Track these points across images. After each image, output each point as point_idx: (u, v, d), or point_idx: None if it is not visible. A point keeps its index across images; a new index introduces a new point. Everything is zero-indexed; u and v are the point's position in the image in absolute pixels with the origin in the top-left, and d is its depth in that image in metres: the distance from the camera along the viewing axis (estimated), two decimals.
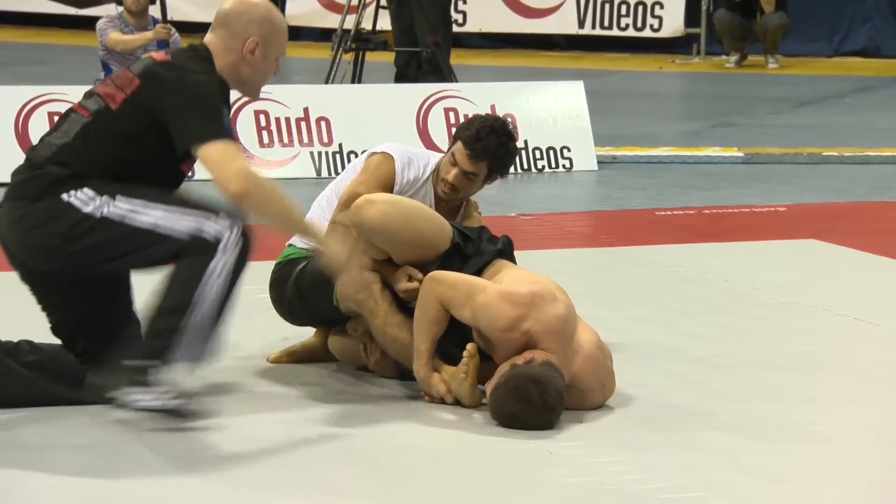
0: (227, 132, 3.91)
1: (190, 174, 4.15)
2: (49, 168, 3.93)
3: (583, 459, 3.77)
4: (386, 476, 3.68)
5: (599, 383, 4.16)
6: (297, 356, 4.61)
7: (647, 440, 3.94)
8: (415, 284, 4.21)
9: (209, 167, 3.85)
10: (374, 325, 4.27)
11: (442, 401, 4.17)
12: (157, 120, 3.92)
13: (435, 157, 4.62)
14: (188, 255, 3.86)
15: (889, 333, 5.11)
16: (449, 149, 4.59)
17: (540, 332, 4.03)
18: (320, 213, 4.58)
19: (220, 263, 3.85)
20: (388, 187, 4.44)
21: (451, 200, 4.59)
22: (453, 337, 4.19)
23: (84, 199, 3.90)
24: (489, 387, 4.03)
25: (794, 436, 3.99)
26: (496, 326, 4.05)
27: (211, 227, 3.87)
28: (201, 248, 3.85)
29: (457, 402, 4.16)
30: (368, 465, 3.74)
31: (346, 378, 4.46)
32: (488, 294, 4.08)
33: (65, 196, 3.90)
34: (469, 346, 4.11)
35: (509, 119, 4.56)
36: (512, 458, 3.78)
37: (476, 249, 4.29)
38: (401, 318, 4.24)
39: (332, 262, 4.01)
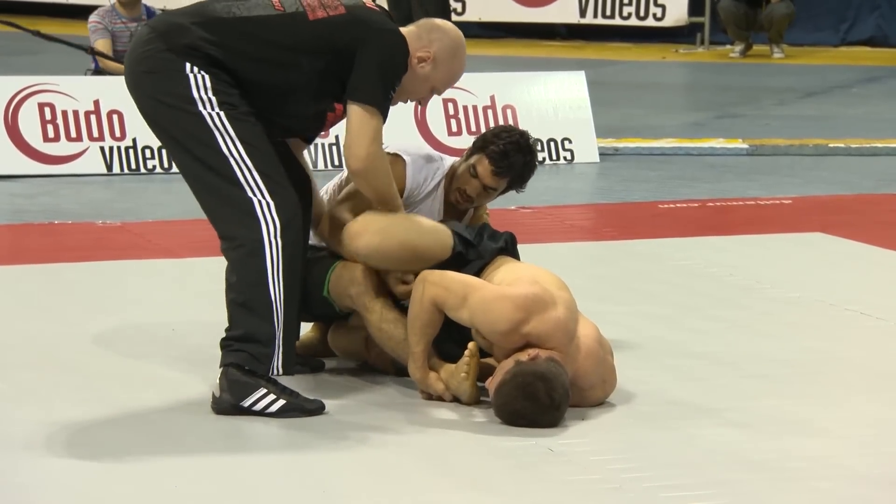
0: (386, 110, 4.04)
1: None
2: (197, 30, 3.95)
3: (584, 457, 3.74)
4: (384, 474, 3.65)
5: (600, 380, 4.12)
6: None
7: (650, 437, 3.90)
8: (409, 287, 4.18)
9: (349, 129, 4.00)
10: (370, 321, 4.24)
11: (440, 399, 4.13)
12: (338, 54, 3.98)
13: (447, 161, 4.57)
14: (241, 251, 3.92)
15: None
16: (467, 157, 4.51)
17: (541, 335, 4.00)
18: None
19: (272, 260, 3.94)
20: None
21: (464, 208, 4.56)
22: (452, 334, 4.13)
23: (198, 84, 3.93)
24: (492, 384, 3.98)
25: (799, 433, 3.95)
26: (495, 329, 4.01)
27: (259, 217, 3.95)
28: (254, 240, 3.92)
29: (455, 400, 4.13)
30: (366, 463, 3.71)
31: (343, 374, 4.43)
32: (485, 296, 4.03)
33: (188, 67, 3.94)
34: (470, 344, 4.08)
35: (528, 133, 4.56)
36: (512, 456, 3.75)
37: (477, 254, 4.25)
38: (396, 315, 4.21)
39: None
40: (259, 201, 3.92)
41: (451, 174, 4.51)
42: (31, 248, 6.33)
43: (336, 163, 8.19)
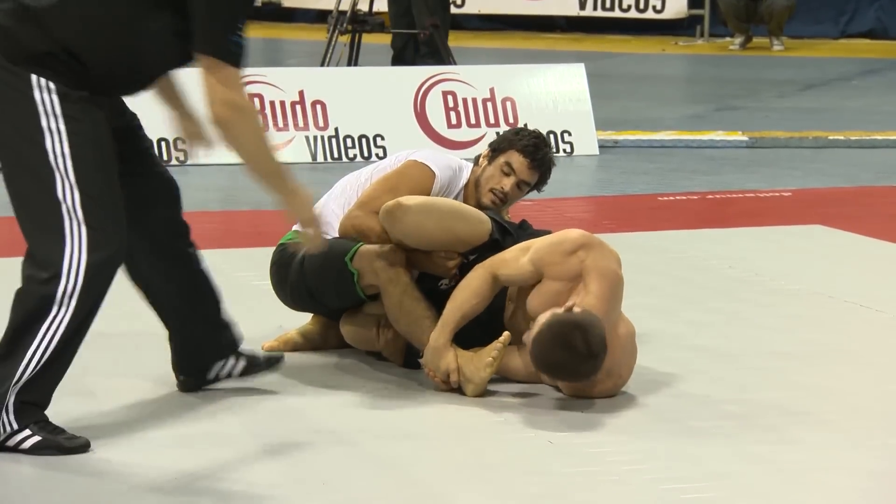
0: (231, 53, 3.58)
1: None
2: (31, 25, 3.49)
3: (583, 449, 3.74)
4: (383, 466, 3.65)
5: (617, 372, 4.11)
6: (294, 344, 4.57)
7: (650, 430, 3.91)
8: (453, 264, 4.22)
9: (203, 81, 3.57)
10: (391, 294, 4.22)
11: (445, 382, 4.12)
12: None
13: (465, 171, 4.56)
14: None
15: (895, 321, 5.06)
16: (491, 159, 4.53)
17: (593, 269, 4.04)
18: (334, 207, 4.49)
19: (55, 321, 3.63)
20: None
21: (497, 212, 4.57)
22: (481, 317, 4.15)
23: (47, 112, 3.55)
24: (530, 335, 3.98)
25: (799, 425, 3.95)
26: (559, 250, 4.07)
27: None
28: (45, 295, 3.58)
29: (457, 389, 4.12)
30: (365, 454, 3.71)
31: (343, 366, 4.43)
32: (550, 236, 4.14)
33: (34, 81, 3.51)
34: (505, 333, 4.09)
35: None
36: (512, 448, 3.76)
37: (514, 242, 4.27)
38: (419, 294, 4.23)
39: (301, 219, 3.77)
40: (72, 253, 3.59)
41: (475, 181, 4.52)
42: None
43: (335, 155, 8.19)
